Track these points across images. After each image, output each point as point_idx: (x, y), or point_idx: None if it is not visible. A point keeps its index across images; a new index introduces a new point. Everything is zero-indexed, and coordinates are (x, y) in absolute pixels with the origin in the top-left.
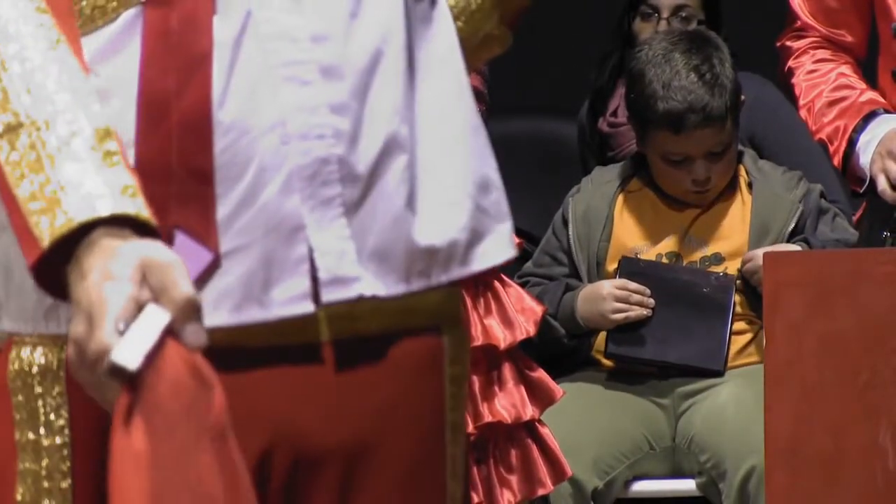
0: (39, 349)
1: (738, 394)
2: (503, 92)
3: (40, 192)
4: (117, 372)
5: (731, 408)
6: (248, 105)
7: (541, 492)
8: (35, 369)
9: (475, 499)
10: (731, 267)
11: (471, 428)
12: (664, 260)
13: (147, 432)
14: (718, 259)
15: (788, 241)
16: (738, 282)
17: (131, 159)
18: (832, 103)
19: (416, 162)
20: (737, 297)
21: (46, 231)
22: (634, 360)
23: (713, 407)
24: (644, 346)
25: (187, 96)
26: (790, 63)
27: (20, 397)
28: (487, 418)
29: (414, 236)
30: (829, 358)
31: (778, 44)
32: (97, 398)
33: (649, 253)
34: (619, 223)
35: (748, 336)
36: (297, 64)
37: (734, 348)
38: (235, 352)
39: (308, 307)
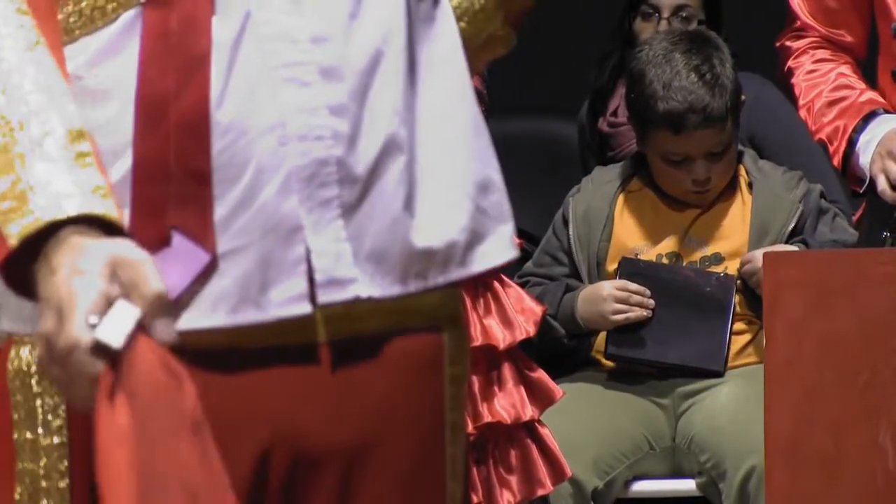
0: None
1: (738, 394)
2: (503, 92)
3: (11, 191)
4: (101, 350)
5: (731, 408)
6: (247, 106)
7: (540, 492)
8: (33, 369)
9: (474, 499)
10: (731, 267)
11: (470, 428)
12: (664, 260)
13: (130, 412)
14: (718, 259)
15: (788, 241)
16: (738, 282)
17: (129, 160)
18: (832, 103)
19: (416, 163)
20: (737, 297)
21: (15, 230)
22: (634, 361)
23: (713, 407)
24: (644, 346)
25: (186, 97)
26: (790, 63)
27: (19, 397)
28: (487, 418)
29: (411, 238)
30: (829, 358)
31: (777, 44)
32: (66, 395)
33: (649, 253)
34: (619, 223)
35: (748, 336)
36: (297, 65)
37: (734, 348)
38: (233, 353)
39: (305, 308)
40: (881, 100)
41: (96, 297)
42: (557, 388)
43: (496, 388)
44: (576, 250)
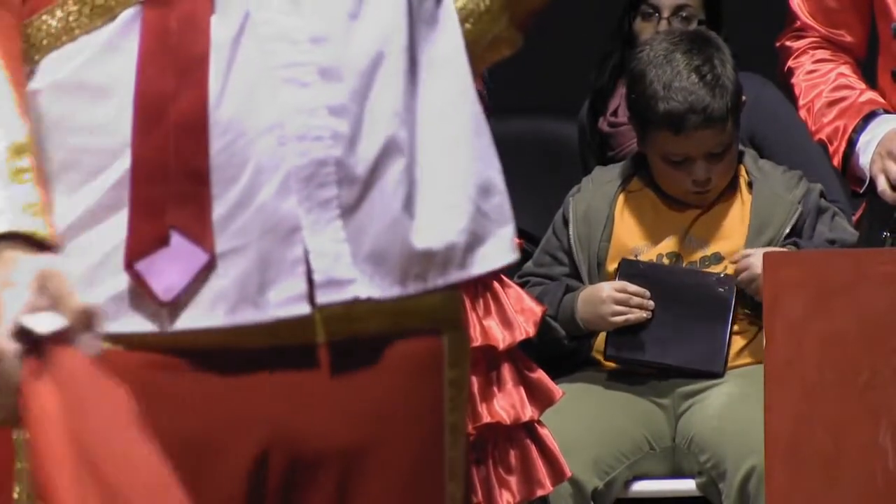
0: None
1: (738, 394)
2: (503, 92)
3: None
4: (24, 335)
5: (731, 408)
6: (246, 106)
7: (540, 493)
8: None
9: (474, 500)
10: (731, 267)
11: (469, 429)
12: (665, 260)
13: (60, 399)
14: (718, 259)
15: (784, 241)
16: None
17: (128, 159)
18: (832, 103)
19: (416, 164)
20: (737, 298)
21: None
22: (634, 362)
23: (713, 407)
24: (644, 348)
25: (184, 97)
26: (790, 63)
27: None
28: (486, 419)
29: (411, 239)
30: (829, 358)
31: (777, 44)
32: None
33: (650, 253)
34: (619, 223)
35: (748, 336)
36: (296, 65)
37: (734, 348)
38: (232, 353)
39: (304, 309)
40: (881, 100)
41: (23, 308)
42: (557, 389)
43: (496, 389)
44: (576, 250)
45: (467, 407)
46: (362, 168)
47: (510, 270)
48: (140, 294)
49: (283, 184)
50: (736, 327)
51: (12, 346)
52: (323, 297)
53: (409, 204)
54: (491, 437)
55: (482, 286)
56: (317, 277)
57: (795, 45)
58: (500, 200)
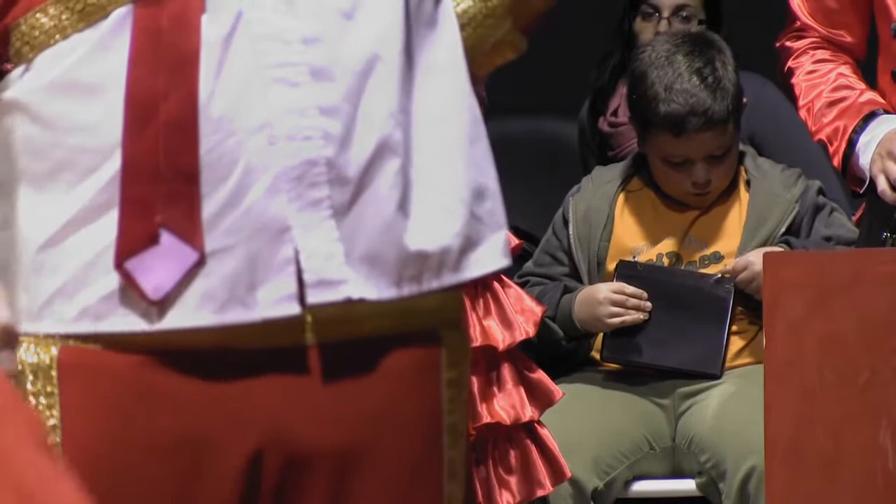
0: (33, 347)
1: (738, 394)
2: (503, 92)
3: None
4: None
5: (730, 408)
6: (236, 105)
7: (540, 493)
8: (28, 368)
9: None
10: (730, 266)
11: (469, 429)
12: (665, 259)
13: None
14: (718, 258)
15: (779, 239)
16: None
17: (119, 159)
18: (832, 104)
19: (412, 166)
20: (735, 298)
21: None
22: (630, 364)
23: (713, 407)
24: (640, 350)
25: (174, 95)
26: (790, 63)
27: None
28: (486, 419)
29: (405, 241)
30: (829, 358)
31: (777, 44)
32: None
33: (650, 253)
34: (619, 223)
35: (747, 336)
36: (287, 65)
37: (733, 349)
38: (224, 353)
39: (294, 309)
40: (881, 100)
41: None
42: (557, 389)
43: (496, 389)
44: (576, 250)
45: (468, 407)
46: (355, 168)
47: (510, 270)
48: (131, 293)
49: (273, 184)
50: (735, 327)
51: None
52: (313, 298)
53: (403, 205)
54: (491, 437)
55: (482, 286)
56: (307, 277)
57: (795, 45)
58: (493, 206)
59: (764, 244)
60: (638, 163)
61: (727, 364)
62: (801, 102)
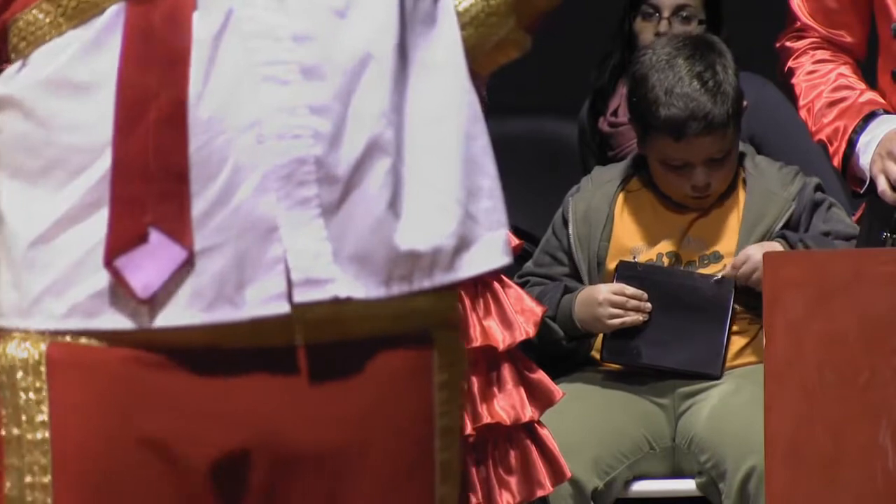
0: (23, 343)
1: (738, 394)
2: (503, 92)
3: None
4: None
5: (730, 408)
6: (226, 103)
7: (540, 493)
8: (18, 364)
9: (473, 500)
10: (729, 266)
11: (469, 429)
12: (664, 259)
13: None
14: (717, 257)
15: (776, 234)
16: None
17: (109, 157)
18: (832, 104)
19: (404, 165)
20: (736, 298)
21: None
22: (630, 365)
23: (713, 407)
24: (640, 350)
25: (165, 93)
26: (790, 63)
27: (7, 393)
28: (486, 419)
29: (395, 240)
30: (829, 358)
31: (778, 44)
32: None
33: (649, 252)
34: (619, 223)
35: (747, 336)
36: (278, 63)
37: (733, 349)
38: (214, 352)
39: (283, 307)
40: (881, 100)
41: None
42: (557, 389)
43: (496, 389)
44: (576, 250)
45: (463, 408)
46: (344, 168)
47: (510, 270)
48: (120, 291)
49: (262, 182)
50: (736, 327)
51: None
52: (301, 296)
53: (394, 205)
54: (491, 437)
55: (482, 286)
56: (294, 276)
57: (796, 45)
58: (491, 205)
59: (761, 241)
60: (638, 163)
61: (727, 364)
62: (801, 103)
